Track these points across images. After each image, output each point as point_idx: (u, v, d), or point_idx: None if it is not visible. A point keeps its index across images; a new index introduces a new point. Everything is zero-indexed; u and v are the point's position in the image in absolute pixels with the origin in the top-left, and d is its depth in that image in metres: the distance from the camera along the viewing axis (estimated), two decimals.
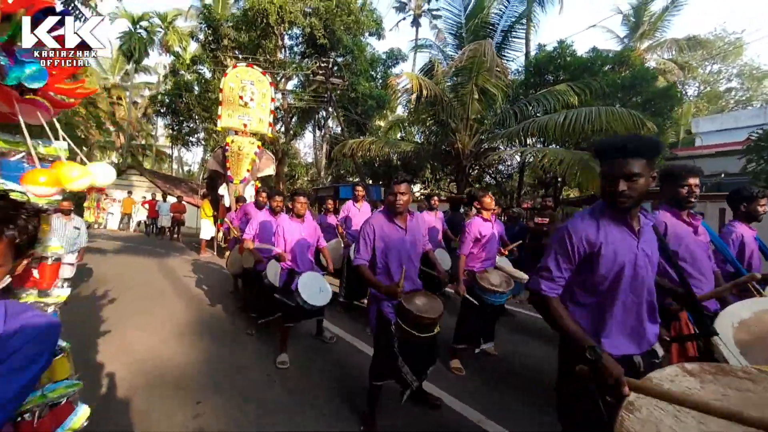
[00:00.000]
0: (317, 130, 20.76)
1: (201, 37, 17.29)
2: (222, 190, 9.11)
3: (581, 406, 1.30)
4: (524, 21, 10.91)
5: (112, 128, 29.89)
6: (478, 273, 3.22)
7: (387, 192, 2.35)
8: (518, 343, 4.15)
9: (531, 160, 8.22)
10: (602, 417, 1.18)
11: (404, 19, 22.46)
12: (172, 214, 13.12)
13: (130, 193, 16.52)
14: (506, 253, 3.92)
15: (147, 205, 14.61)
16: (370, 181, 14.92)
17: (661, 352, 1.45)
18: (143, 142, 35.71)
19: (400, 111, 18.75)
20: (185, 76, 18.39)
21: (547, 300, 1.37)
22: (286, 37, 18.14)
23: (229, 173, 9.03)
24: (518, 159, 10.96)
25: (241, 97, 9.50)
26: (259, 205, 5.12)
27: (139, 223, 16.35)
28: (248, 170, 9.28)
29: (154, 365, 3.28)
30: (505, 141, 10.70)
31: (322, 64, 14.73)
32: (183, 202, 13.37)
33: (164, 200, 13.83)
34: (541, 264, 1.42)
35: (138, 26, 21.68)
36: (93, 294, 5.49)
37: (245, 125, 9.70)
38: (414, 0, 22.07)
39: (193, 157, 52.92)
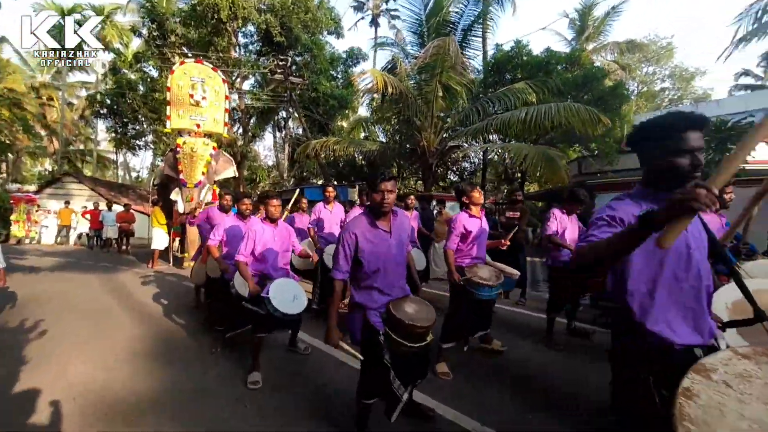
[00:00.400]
0: (277, 132, 20.04)
1: (144, 32, 16.00)
2: (175, 195, 8.40)
3: (638, 401, 1.21)
4: (482, 21, 11.10)
5: (43, 132, 27.08)
6: (467, 267, 3.11)
7: (368, 192, 2.09)
8: (509, 342, 4.08)
9: (494, 156, 8.35)
10: (659, 410, 1.10)
11: (363, 18, 22.32)
12: (118, 225, 11.98)
13: (67, 203, 14.91)
14: (507, 243, 3.62)
15: (89, 216, 13.25)
16: (335, 182, 14.57)
17: (723, 344, 1.34)
18: (82, 147, 32.69)
19: (362, 111, 18.60)
20: (128, 75, 16.97)
21: (586, 246, 1.20)
22: (240, 34, 17.29)
23: (182, 177, 8.34)
24: (481, 156, 11.13)
25: (191, 96, 8.83)
26: (224, 209, 4.72)
27: (80, 236, 14.81)
28: (203, 173, 8.64)
29: (101, 396, 2.82)
30: (468, 138, 10.85)
31: (280, 63, 14.19)
32: (131, 211, 12.26)
33: (109, 209, 12.58)
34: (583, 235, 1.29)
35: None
36: (24, 318, 4.76)
37: (198, 125, 9.03)
38: (371, 0, 21.96)
39: (141, 162, 49.39)
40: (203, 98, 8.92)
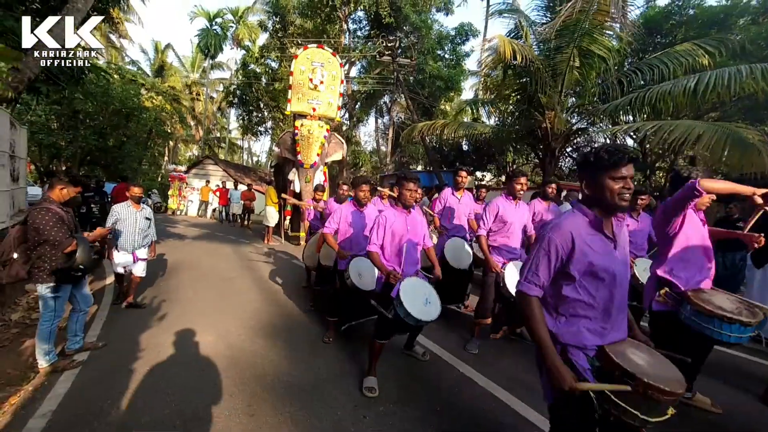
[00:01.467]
0: (380, 116, 20.15)
1: (269, 25, 17.41)
2: (292, 175, 8.84)
3: None
4: None
5: (192, 123, 32.42)
6: (692, 292, 2.15)
7: (588, 180, 1.46)
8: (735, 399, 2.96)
9: (650, 137, 6.56)
10: None
11: None
12: (243, 202, 13.42)
13: (207, 182, 17.44)
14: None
15: (218, 193, 15.21)
16: (444, 167, 13.83)
17: None
18: (218, 134, 38.40)
19: (467, 95, 17.33)
20: (254, 68, 18.84)
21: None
22: (350, 21, 17.61)
23: (299, 158, 8.69)
24: (631, 137, 9.11)
25: (311, 80, 9.08)
26: (339, 200, 4.49)
27: (214, 210, 17.23)
28: (318, 154, 8.88)
29: (226, 372, 2.80)
30: (606, 118, 8.99)
31: (389, 44, 13.91)
32: (252, 190, 13.61)
33: (235, 188, 14.23)
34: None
35: (214, 23, 22.71)
36: (168, 283, 5.39)
37: (314, 109, 9.29)
38: None
39: (261, 147, 55.98)
40: (321, 82, 9.11)
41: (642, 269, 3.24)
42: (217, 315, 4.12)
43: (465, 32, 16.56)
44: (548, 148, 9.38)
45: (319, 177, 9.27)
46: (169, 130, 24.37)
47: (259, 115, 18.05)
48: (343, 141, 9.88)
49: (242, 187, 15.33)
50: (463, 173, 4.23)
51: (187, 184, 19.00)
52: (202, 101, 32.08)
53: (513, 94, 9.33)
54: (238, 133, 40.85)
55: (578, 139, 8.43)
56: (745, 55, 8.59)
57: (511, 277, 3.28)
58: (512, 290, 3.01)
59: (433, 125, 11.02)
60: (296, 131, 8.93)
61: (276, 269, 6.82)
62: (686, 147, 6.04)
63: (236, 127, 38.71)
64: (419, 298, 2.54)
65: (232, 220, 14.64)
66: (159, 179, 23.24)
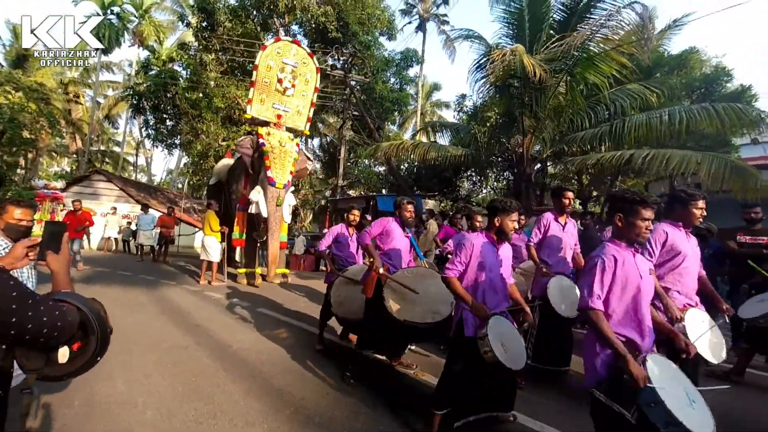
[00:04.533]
0: (319, 135, 18.74)
1: (193, 21, 14.85)
2: (256, 195, 6.90)
3: None
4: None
5: (65, 130, 26.00)
6: None
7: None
8: None
9: (642, 163, 6.78)
10: None
11: (410, 23, 21.24)
12: (159, 230, 10.48)
13: (77, 202, 13.47)
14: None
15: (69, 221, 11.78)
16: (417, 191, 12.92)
17: None
18: (102, 147, 31.59)
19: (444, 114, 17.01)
20: (171, 68, 15.83)
21: None
22: (291, 30, 16.14)
23: (269, 174, 6.83)
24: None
25: (280, 81, 7.43)
26: (406, 223, 3.33)
27: (108, 240, 13.31)
28: (291, 172, 7.16)
29: None
30: (575, 146, 9.35)
31: (341, 57, 12.92)
32: (173, 215, 10.77)
33: (145, 212, 11.11)
34: None
35: (109, 11, 18.72)
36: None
37: (279, 116, 7.61)
38: (421, 4, 20.95)
39: (166, 163, 48.23)
40: (292, 85, 7.52)
41: None
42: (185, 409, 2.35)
43: (410, 58, 16.57)
44: (523, 174, 9.35)
45: (291, 199, 7.51)
46: (30, 137, 18.88)
47: (176, 124, 14.91)
48: (310, 156, 8.33)
49: (154, 212, 12.15)
50: (569, 194, 3.39)
51: (64, 205, 14.49)
52: (83, 105, 26.06)
53: (493, 116, 9.12)
54: (130, 147, 34.43)
55: (549, 165, 8.42)
56: (676, 98, 9.93)
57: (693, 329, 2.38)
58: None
59: (401, 145, 10.24)
60: (261, 141, 7.10)
61: (242, 324, 4.91)
62: (687, 174, 6.32)
63: (129, 140, 32.62)
64: (516, 344, 2.28)
65: (140, 253, 11.34)
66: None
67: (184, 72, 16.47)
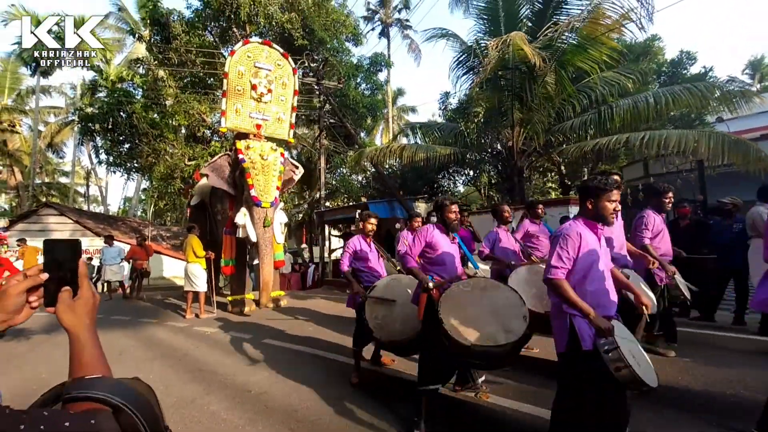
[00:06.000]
0: (290, 148, 17.95)
1: (145, 33, 13.79)
2: (241, 218, 6.19)
3: None
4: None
5: (1, 163, 23.49)
6: None
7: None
8: None
9: (641, 145, 6.80)
10: None
11: (373, 29, 21.11)
12: (132, 262, 9.39)
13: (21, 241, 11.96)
14: None
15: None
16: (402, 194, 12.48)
17: None
18: (47, 179, 28.82)
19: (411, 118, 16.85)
20: (125, 87, 14.60)
21: None
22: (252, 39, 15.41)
23: (252, 194, 6.15)
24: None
25: (254, 87, 6.81)
26: (451, 227, 2.85)
27: None
28: (278, 188, 6.51)
29: None
30: (561, 136, 9.39)
31: (312, 64, 12.41)
32: (146, 245, 9.70)
33: (110, 245, 9.93)
34: None
35: (50, 31, 17.05)
36: None
37: (258, 126, 6.97)
38: (383, 9, 20.89)
39: (124, 191, 44.89)
40: (268, 91, 6.92)
41: None
42: None
43: (379, 62, 16.33)
44: (514, 168, 9.24)
45: (281, 217, 6.87)
46: None
47: (135, 146, 13.65)
48: (298, 164, 7.71)
49: (120, 244, 10.95)
50: (669, 194, 3.63)
51: (8, 246, 12.79)
52: (20, 134, 23.64)
53: (481, 112, 8.95)
54: (79, 177, 31.70)
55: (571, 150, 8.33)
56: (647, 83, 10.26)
57: None
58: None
59: (389, 148, 9.87)
60: (241, 156, 6.43)
61: (255, 362, 4.25)
62: (688, 152, 6.37)
63: (77, 170, 30.01)
64: (641, 354, 1.97)
65: (106, 290, 10.12)
66: None
67: (137, 91, 15.29)
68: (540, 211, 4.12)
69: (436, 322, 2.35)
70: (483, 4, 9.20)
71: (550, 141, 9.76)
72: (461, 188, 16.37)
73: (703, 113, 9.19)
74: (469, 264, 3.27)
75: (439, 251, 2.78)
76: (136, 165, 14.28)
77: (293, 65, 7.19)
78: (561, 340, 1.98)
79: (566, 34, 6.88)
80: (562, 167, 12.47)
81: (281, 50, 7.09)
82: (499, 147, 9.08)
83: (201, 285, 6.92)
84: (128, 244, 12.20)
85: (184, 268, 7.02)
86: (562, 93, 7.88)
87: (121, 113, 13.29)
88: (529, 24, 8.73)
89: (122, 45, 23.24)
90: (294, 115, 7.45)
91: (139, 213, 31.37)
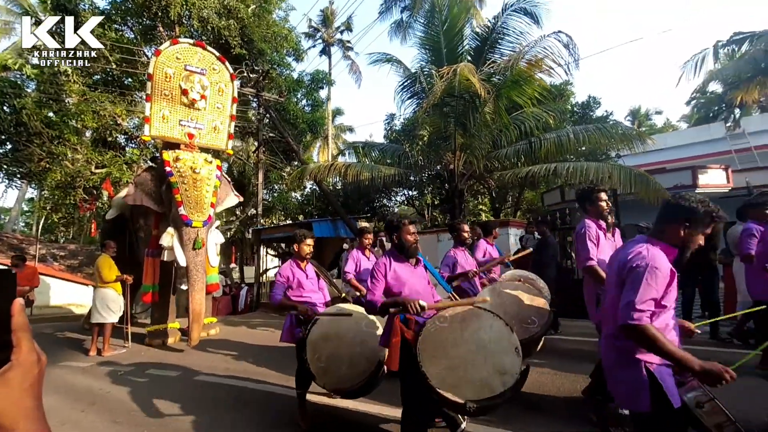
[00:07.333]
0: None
1: (49, 22, 11.82)
2: (167, 239, 5.36)
3: None
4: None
5: None
6: None
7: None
8: None
9: (566, 174, 7.64)
10: None
11: (314, 46, 21.03)
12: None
13: None
14: None
15: None
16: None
17: None
18: None
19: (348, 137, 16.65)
20: (5, 75, 12.23)
21: None
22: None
23: (181, 212, 5.41)
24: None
25: (185, 92, 6.13)
26: (409, 252, 2.59)
27: None
28: (212, 204, 5.84)
29: None
30: (497, 161, 10.16)
31: (252, 74, 11.81)
32: (31, 264, 7.94)
33: None
34: None
35: None
36: None
37: (191, 135, 6.28)
38: (325, 29, 20.99)
39: (2, 200, 36.95)
40: (202, 97, 6.28)
41: None
42: None
43: (321, 79, 16.20)
44: (455, 189, 9.69)
45: (217, 237, 6.16)
46: None
47: (23, 148, 11.38)
48: (230, 180, 7.09)
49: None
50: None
51: None
52: None
53: (426, 135, 9.28)
54: None
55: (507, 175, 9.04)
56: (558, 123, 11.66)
57: None
58: None
59: (333, 166, 9.68)
60: (168, 169, 5.68)
61: (193, 406, 3.60)
62: (603, 182, 7.29)
63: None
64: None
65: None
66: None
67: (27, 84, 12.92)
68: (496, 233, 4.33)
69: (419, 376, 1.99)
70: (423, 35, 9.76)
71: (486, 166, 10.49)
72: (396, 209, 16.70)
73: (608, 149, 10.74)
74: (445, 290, 3.08)
75: (405, 284, 2.36)
76: (21, 170, 11.91)
77: (231, 71, 6.68)
78: (638, 397, 1.58)
79: (505, 71, 7.54)
80: (494, 192, 13.49)
81: (217, 53, 6.54)
82: (439, 169, 9.45)
83: (111, 315, 5.81)
84: (3, 265, 9.94)
85: (93, 296, 5.87)
86: (498, 122, 8.56)
87: (5, 107, 11.09)
88: (468, 58, 9.44)
89: (10, 29, 19.85)
90: (233, 124, 6.86)
91: (21, 227, 26.23)
